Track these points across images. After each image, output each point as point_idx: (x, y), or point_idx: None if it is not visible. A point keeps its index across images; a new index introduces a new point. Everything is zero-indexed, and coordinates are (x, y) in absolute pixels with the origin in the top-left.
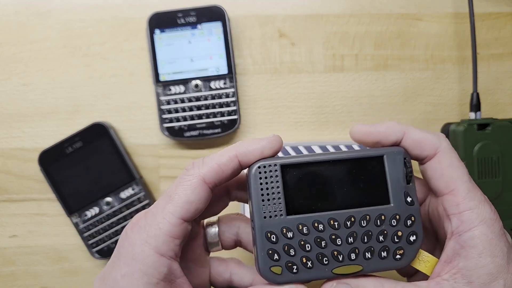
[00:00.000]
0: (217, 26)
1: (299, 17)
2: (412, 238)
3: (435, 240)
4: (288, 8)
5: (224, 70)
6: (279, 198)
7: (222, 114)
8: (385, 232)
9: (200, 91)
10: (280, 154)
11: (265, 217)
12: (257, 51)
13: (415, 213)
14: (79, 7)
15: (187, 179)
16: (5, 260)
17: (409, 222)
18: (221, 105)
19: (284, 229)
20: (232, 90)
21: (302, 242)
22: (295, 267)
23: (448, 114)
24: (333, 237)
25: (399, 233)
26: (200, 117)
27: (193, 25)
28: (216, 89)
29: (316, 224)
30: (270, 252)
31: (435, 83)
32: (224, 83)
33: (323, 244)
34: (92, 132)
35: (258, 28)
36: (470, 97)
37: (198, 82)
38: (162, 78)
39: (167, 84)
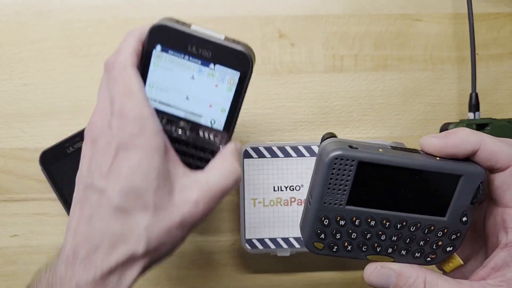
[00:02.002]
0: (233, 75)
1: (299, 18)
2: (449, 248)
3: (480, 244)
4: (288, 8)
5: (219, 126)
6: (344, 190)
7: (201, 159)
8: (428, 239)
9: (184, 134)
10: (280, 154)
11: (324, 203)
12: (257, 51)
13: (463, 231)
14: (79, 7)
15: (117, 69)
16: (6, 260)
17: (453, 237)
18: (203, 153)
19: (339, 217)
20: (221, 145)
21: (350, 231)
22: (336, 247)
23: (447, 114)
24: (380, 233)
25: (440, 243)
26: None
27: (205, 60)
28: (204, 138)
29: (369, 220)
30: (318, 231)
31: (434, 83)
32: (214, 138)
33: (368, 236)
34: None
35: (258, 28)
36: (469, 97)
37: (185, 125)
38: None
39: None
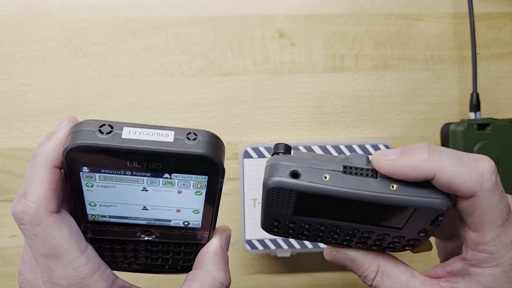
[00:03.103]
0: (199, 179)
1: (299, 17)
2: (408, 248)
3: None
4: (288, 8)
5: (196, 225)
6: (288, 207)
7: (180, 260)
8: (384, 241)
9: (154, 237)
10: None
11: (271, 212)
12: (257, 51)
13: (423, 240)
14: (79, 7)
15: (29, 225)
16: (6, 260)
17: (411, 242)
18: (182, 255)
19: (287, 222)
20: (203, 242)
21: (302, 230)
22: (291, 236)
23: (448, 114)
24: (332, 234)
25: (397, 245)
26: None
27: (155, 172)
28: (180, 239)
29: (319, 226)
30: (271, 227)
31: (435, 83)
32: (192, 237)
33: (320, 235)
34: None
35: (258, 28)
36: (470, 97)
37: (152, 230)
38: (92, 218)
39: (98, 226)
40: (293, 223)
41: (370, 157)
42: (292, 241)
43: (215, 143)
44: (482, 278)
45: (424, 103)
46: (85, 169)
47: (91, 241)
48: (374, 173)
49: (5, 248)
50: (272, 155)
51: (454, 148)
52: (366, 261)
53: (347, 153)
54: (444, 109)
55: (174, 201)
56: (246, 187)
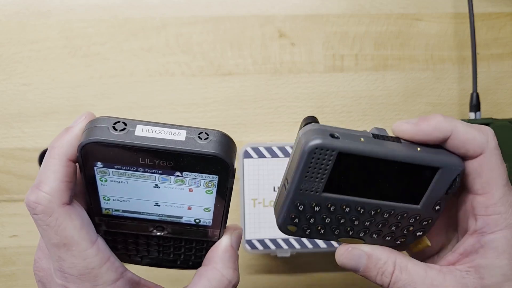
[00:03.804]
0: (210, 178)
1: (299, 17)
2: (419, 233)
3: (454, 231)
4: (288, 8)
5: (207, 223)
6: (322, 178)
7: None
8: (400, 224)
9: (166, 232)
10: (280, 154)
11: (300, 190)
12: (257, 51)
13: (434, 218)
14: (79, 7)
15: (42, 216)
16: (6, 260)
17: (424, 223)
18: (194, 251)
19: (314, 203)
20: (214, 240)
21: (324, 216)
22: (308, 230)
23: (448, 114)
24: (353, 218)
25: (411, 228)
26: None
27: (167, 170)
28: (191, 235)
29: (344, 206)
30: (293, 216)
31: (435, 83)
32: (203, 235)
33: (341, 221)
34: None
35: (258, 28)
36: (470, 97)
37: (164, 225)
38: (106, 212)
39: (112, 220)
40: (319, 206)
41: (391, 127)
42: (292, 241)
43: (227, 143)
44: (496, 244)
45: (424, 103)
46: (99, 164)
47: (104, 234)
48: (398, 139)
49: (5, 248)
50: (304, 126)
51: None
52: (383, 256)
53: None
54: (444, 109)
55: (185, 198)
56: (246, 187)
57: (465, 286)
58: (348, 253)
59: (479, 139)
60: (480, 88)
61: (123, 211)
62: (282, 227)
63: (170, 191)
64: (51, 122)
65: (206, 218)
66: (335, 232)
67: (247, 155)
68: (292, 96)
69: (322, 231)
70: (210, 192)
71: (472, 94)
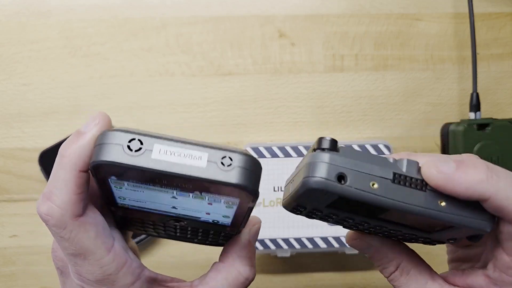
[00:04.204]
0: (230, 199)
1: (299, 17)
2: (429, 244)
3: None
4: (288, 8)
5: (226, 223)
6: (321, 204)
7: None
8: (410, 236)
9: (184, 224)
10: (280, 154)
11: (301, 202)
12: (257, 51)
13: (447, 243)
14: (79, 7)
15: (55, 228)
16: (5, 260)
17: (435, 243)
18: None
19: (315, 210)
20: (232, 233)
21: (327, 217)
22: (314, 216)
23: (448, 114)
24: (359, 225)
25: (420, 240)
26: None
27: (185, 191)
28: (209, 228)
29: (346, 218)
30: (295, 210)
31: (435, 83)
32: (221, 232)
33: (345, 223)
34: None
35: (258, 28)
36: (470, 97)
37: (180, 219)
38: (122, 205)
39: (128, 210)
40: (321, 212)
41: (420, 163)
42: (292, 240)
43: (252, 169)
44: None
45: (424, 103)
46: (113, 177)
47: (121, 218)
48: (424, 185)
49: (5, 248)
50: (315, 149)
51: (454, 148)
52: (390, 255)
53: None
54: (444, 109)
55: (204, 208)
56: None
57: None
58: (357, 241)
59: None
60: (480, 88)
61: (140, 207)
62: (286, 208)
63: (188, 201)
64: (51, 122)
65: (225, 221)
66: (341, 225)
67: None
68: (292, 96)
69: (329, 220)
70: (231, 207)
71: (472, 94)
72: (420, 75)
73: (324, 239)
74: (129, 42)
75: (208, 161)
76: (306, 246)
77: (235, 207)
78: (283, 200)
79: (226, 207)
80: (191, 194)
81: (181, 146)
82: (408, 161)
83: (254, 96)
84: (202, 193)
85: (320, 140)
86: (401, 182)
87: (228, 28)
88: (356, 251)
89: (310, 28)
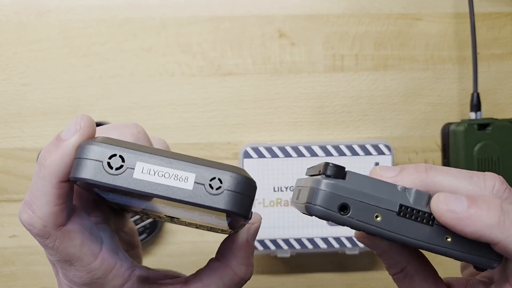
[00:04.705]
0: (222, 218)
1: (299, 17)
2: None
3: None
4: (288, 8)
5: (222, 226)
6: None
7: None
8: None
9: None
10: (280, 154)
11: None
12: (257, 51)
13: None
14: (79, 7)
15: (37, 237)
16: (5, 260)
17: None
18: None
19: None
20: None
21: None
22: None
23: (448, 114)
24: None
25: None
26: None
27: (172, 206)
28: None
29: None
30: None
31: (435, 83)
32: (220, 231)
33: None
34: None
35: (258, 28)
36: (471, 97)
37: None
38: (114, 204)
39: (121, 205)
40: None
41: (432, 197)
42: (292, 241)
43: (244, 191)
44: None
45: (424, 103)
46: (96, 190)
47: (116, 207)
48: (431, 219)
49: (5, 248)
50: (320, 174)
51: (455, 148)
52: (396, 257)
53: (348, 153)
54: (444, 109)
55: (196, 216)
56: None
57: None
58: (365, 240)
59: None
60: (480, 88)
61: (133, 205)
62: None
63: (179, 212)
64: (51, 122)
65: (221, 224)
66: None
67: (247, 155)
68: (292, 96)
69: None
70: (223, 219)
71: (472, 94)
72: (420, 75)
73: (325, 240)
74: (129, 42)
75: (195, 182)
76: (306, 247)
77: (227, 221)
78: (295, 202)
79: (218, 219)
80: (180, 210)
81: (166, 165)
82: (417, 192)
83: (254, 96)
84: (191, 211)
85: (326, 166)
86: (407, 215)
87: (228, 28)
88: (356, 252)
89: (310, 28)
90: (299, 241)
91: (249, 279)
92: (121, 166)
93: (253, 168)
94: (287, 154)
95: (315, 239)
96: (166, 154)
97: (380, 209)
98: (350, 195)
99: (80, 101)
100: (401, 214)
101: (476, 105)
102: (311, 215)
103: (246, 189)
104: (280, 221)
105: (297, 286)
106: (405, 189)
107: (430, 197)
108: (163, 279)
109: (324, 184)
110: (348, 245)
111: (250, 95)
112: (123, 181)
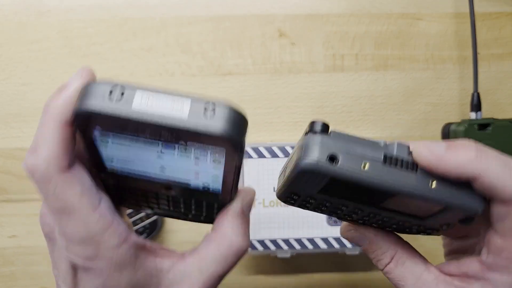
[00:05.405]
0: (216, 151)
1: (299, 17)
2: (423, 234)
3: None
4: (288, 8)
5: (216, 189)
6: (314, 189)
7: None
8: (404, 224)
9: (174, 193)
10: (280, 154)
11: (293, 189)
12: (257, 51)
13: (442, 231)
14: (79, 7)
15: (41, 182)
16: (5, 260)
17: (429, 231)
18: (204, 209)
19: (309, 198)
20: (225, 202)
21: (321, 205)
22: (308, 205)
23: (448, 114)
24: (353, 214)
25: (414, 229)
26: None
27: (169, 142)
28: (200, 200)
29: (340, 205)
30: (289, 199)
31: (435, 83)
32: (213, 200)
33: (338, 212)
34: None
35: (258, 28)
36: (471, 97)
37: (172, 187)
38: (111, 170)
39: (118, 176)
40: (314, 200)
41: (411, 146)
42: (292, 241)
43: (236, 120)
44: (498, 285)
45: (425, 103)
46: (97, 129)
47: (112, 187)
48: (414, 166)
49: (5, 248)
50: (307, 133)
51: None
52: (384, 245)
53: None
54: (445, 109)
55: (191, 165)
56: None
57: None
58: (350, 233)
59: (510, 185)
60: (480, 88)
61: (129, 170)
62: (280, 199)
63: (175, 158)
64: None
65: (215, 185)
66: (335, 215)
67: (247, 155)
68: (292, 96)
69: (323, 208)
70: (218, 162)
71: (473, 94)
72: (420, 75)
73: (325, 240)
74: (129, 42)
75: (190, 111)
76: (306, 247)
77: (222, 164)
78: (276, 190)
79: (213, 164)
80: (176, 148)
81: (163, 94)
82: (399, 144)
83: (254, 96)
84: (187, 144)
85: (312, 123)
86: (392, 164)
87: (228, 28)
88: (356, 252)
89: (310, 28)
90: (299, 241)
91: (246, 250)
92: (122, 95)
93: (253, 168)
94: (287, 154)
95: (315, 239)
96: (164, 89)
97: (367, 158)
98: (337, 147)
99: None
100: (387, 162)
101: (476, 105)
102: (302, 173)
103: (238, 118)
104: (280, 221)
105: (297, 286)
106: (387, 143)
107: (410, 150)
108: (160, 249)
109: (313, 138)
110: (348, 245)
111: (250, 95)
112: (123, 110)
